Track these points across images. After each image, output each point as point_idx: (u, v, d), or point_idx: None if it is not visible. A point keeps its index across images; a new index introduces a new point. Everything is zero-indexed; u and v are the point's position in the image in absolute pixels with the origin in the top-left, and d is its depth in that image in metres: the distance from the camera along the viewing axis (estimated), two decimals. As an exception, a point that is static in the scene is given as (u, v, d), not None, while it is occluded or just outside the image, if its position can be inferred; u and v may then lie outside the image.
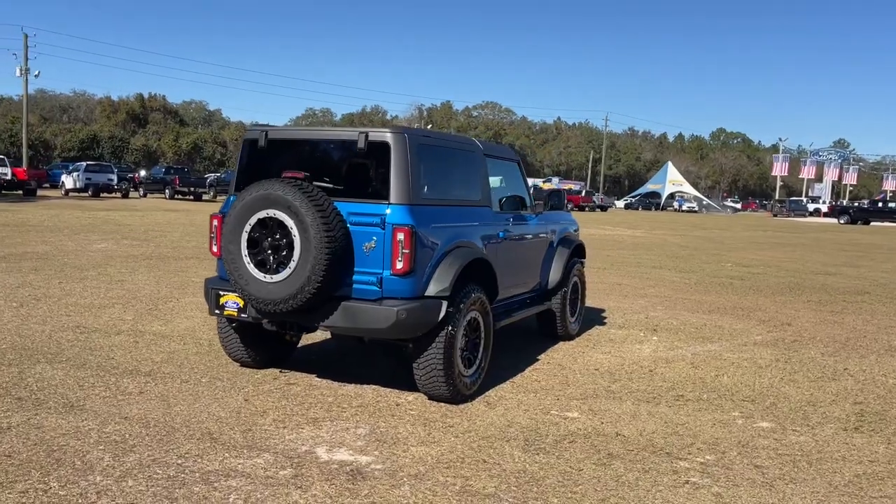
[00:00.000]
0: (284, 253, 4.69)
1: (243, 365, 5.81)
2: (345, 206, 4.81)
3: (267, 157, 5.20)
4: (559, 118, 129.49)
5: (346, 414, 4.84)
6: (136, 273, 10.73)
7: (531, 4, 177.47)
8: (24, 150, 55.49)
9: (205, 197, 39.21)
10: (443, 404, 5.12)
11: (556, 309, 7.02)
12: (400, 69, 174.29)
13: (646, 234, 28.67)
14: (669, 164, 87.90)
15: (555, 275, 6.94)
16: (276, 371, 5.74)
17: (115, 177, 38.84)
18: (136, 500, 3.42)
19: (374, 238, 4.74)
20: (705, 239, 26.83)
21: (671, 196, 79.99)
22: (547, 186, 65.07)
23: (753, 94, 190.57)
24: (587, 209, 58.41)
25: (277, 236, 4.72)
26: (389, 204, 4.73)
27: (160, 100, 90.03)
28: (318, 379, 5.60)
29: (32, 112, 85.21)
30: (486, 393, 5.46)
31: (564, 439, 4.56)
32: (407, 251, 4.66)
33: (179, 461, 3.91)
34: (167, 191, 39.26)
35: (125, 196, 38.40)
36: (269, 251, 4.76)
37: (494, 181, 6.15)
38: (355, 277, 4.80)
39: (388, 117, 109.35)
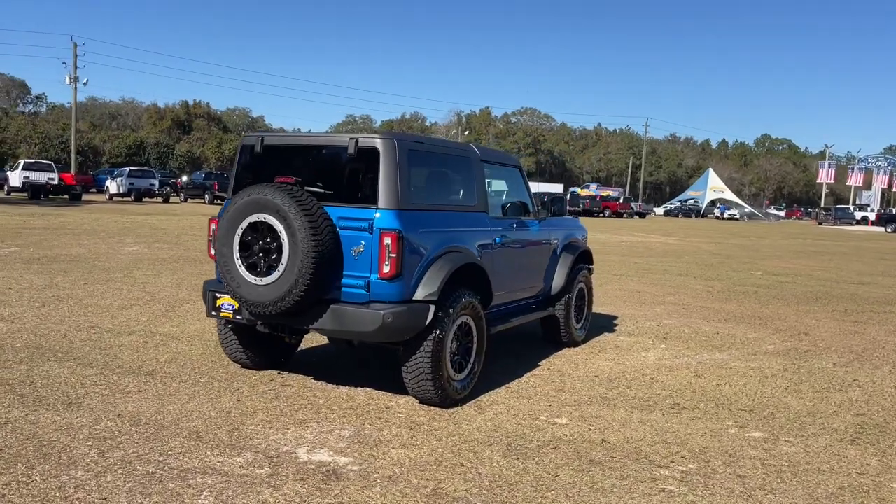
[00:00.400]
0: (274, 256, 4.79)
1: (243, 366, 5.92)
2: (335, 211, 4.88)
3: (263, 162, 5.31)
4: (599, 124, 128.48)
5: (334, 416, 4.90)
6: (160, 276, 10.98)
7: (572, 10, 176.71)
8: (73, 155, 57.08)
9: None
10: (432, 408, 5.15)
11: (559, 315, 7.00)
12: (440, 76, 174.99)
13: (679, 241, 28.31)
14: (710, 170, 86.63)
15: (558, 280, 6.93)
16: (274, 373, 5.84)
17: (156, 182, 39.75)
18: (111, 495, 3.53)
19: (363, 242, 4.80)
20: (740, 247, 26.39)
21: (712, 203, 78.86)
22: (584, 193, 64.71)
23: (800, 99, 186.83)
24: (625, 216, 57.85)
25: (268, 240, 4.81)
26: (378, 208, 4.79)
27: (204, 107, 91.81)
28: (313, 381, 5.69)
29: (83, 119, 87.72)
30: (479, 397, 5.48)
31: (548, 445, 4.56)
32: (394, 255, 4.71)
33: (161, 458, 4.02)
34: (206, 195, 40.05)
35: (166, 200, 39.30)
36: (260, 254, 4.85)
37: (495, 187, 6.18)
38: (344, 281, 4.87)
39: (427, 124, 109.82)
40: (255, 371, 5.85)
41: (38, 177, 35.67)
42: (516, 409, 5.26)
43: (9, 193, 36.50)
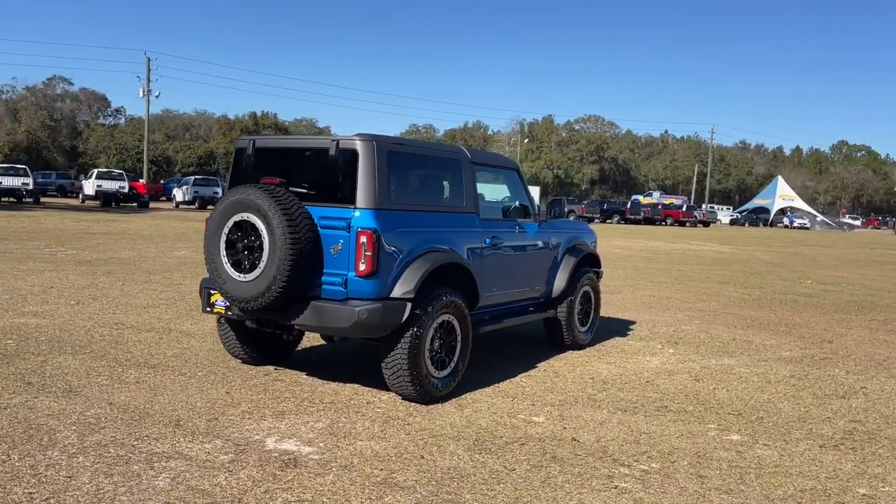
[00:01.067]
0: (257, 254, 4.99)
1: (244, 362, 6.15)
2: (317, 211, 5.06)
3: (254, 164, 5.54)
4: (666, 131, 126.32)
5: (314, 409, 5.06)
6: (197, 278, 11.39)
7: (637, 17, 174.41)
8: (146, 165, 59.34)
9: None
10: (413, 404, 5.26)
11: (561, 318, 7.02)
12: (502, 84, 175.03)
13: (735, 250, 27.65)
14: (779, 178, 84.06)
15: (559, 283, 6.95)
16: (270, 368, 6.05)
17: (220, 189, 40.99)
18: (77, 474, 3.76)
19: (341, 241, 4.96)
20: (798, 256, 25.61)
21: (781, 211, 76.53)
22: (646, 201, 63.68)
23: (880, 102, 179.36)
24: (687, 224, 56.74)
25: (251, 238, 5.02)
26: (356, 208, 4.95)
27: (271, 117, 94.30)
28: (305, 377, 5.87)
29: (158, 130, 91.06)
30: (464, 395, 5.56)
31: (516, 441, 4.62)
32: (369, 254, 4.86)
33: (135, 443, 4.25)
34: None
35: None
36: (244, 252, 5.07)
37: (490, 189, 6.26)
38: (324, 278, 5.04)
39: (490, 132, 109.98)
40: (253, 366, 6.07)
41: (110, 185, 37.36)
42: (497, 407, 5.33)
43: (83, 202, 38.33)
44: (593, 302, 7.56)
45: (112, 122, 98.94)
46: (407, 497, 3.70)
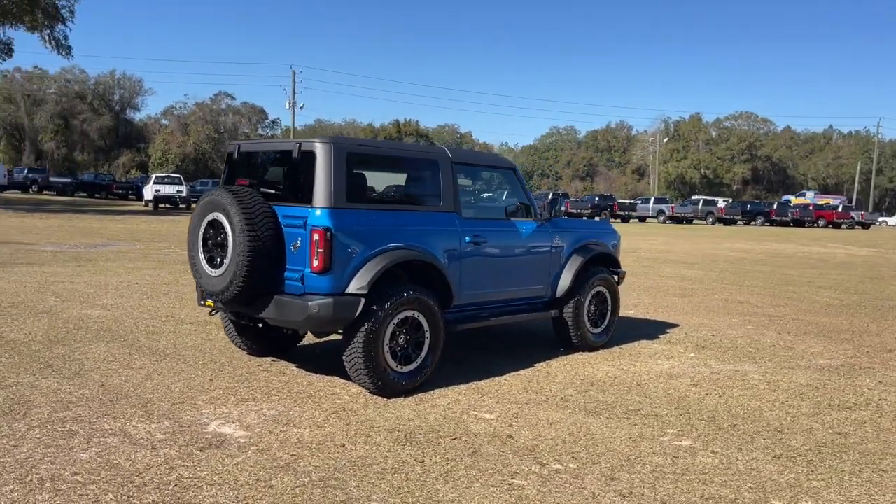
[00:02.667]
0: (224, 251, 5.36)
1: (249, 353, 6.55)
2: (282, 210, 5.36)
3: (240, 166, 5.92)
4: (831, 126, 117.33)
5: (277, 398, 5.36)
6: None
7: (794, 8, 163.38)
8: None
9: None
10: (375, 398, 5.43)
11: (567, 318, 6.92)
12: (646, 82, 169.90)
13: (874, 253, 25.45)
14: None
15: (564, 283, 6.85)
16: (268, 360, 6.41)
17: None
18: (20, 444, 4.24)
19: (300, 238, 5.23)
20: (948, 259, 23.16)
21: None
22: (797, 201, 59.75)
23: None
24: (843, 226, 52.70)
25: (221, 236, 5.40)
26: (312, 207, 5.19)
27: (413, 125, 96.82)
28: (295, 368, 6.18)
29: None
30: (434, 391, 5.65)
31: (449, 436, 4.67)
32: (321, 251, 5.08)
33: (93, 420, 4.70)
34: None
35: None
36: (215, 249, 5.45)
37: (479, 188, 6.31)
38: (286, 274, 5.32)
39: (633, 132, 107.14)
40: (254, 358, 6.46)
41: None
42: (458, 403, 5.38)
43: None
44: (609, 303, 7.37)
45: (269, 133, 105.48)
46: (294, 480, 3.89)
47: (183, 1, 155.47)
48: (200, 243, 5.56)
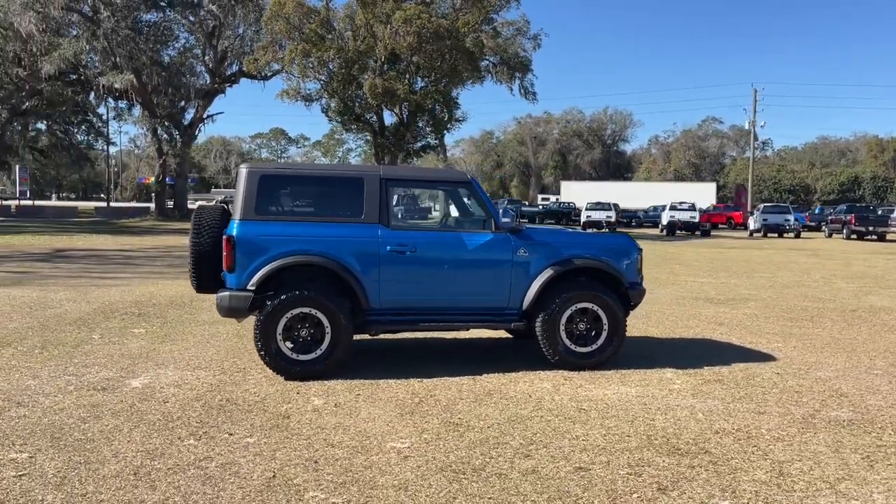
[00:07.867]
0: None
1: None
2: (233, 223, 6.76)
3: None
4: None
5: (234, 368, 6.75)
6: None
7: None
8: (749, 192, 59.64)
9: (890, 237, 35.69)
10: (294, 382, 6.23)
11: (538, 332, 6.67)
12: None
13: None
14: None
15: (529, 295, 6.65)
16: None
17: (791, 217, 39.16)
18: (-3, 372, 6.53)
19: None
20: None
21: None
22: None
23: None
24: None
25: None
26: (232, 219, 6.53)
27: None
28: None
29: (803, 160, 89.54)
30: (357, 385, 6.19)
31: (264, 415, 5.40)
32: (226, 254, 6.39)
33: (65, 367, 6.64)
34: (844, 230, 37.50)
35: (797, 236, 38.52)
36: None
37: (423, 201, 6.72)
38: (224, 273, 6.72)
39: None
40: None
41: (680, 215, 39.65)
42: (340, 401, 5.74)
43: (662, 231, 41.74)
44: (605, 322, 6.74)
45: (759, 155, 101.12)
46: (117, 422, 5.14)
47: (655, 33, 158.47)
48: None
